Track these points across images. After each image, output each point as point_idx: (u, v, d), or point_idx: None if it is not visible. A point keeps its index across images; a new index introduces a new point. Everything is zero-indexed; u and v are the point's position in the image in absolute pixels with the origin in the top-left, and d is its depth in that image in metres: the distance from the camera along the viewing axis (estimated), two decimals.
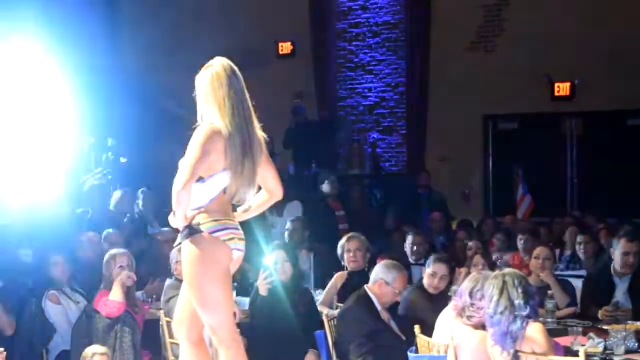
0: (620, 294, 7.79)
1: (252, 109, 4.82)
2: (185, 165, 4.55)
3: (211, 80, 4.74)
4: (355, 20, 16.90)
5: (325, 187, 12.45)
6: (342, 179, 13.87)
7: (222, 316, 4.73)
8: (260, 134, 4.87)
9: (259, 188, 4.98)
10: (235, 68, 4.80)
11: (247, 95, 4.80)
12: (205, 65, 4.82)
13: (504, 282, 5.34)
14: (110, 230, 8.86)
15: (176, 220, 4.63)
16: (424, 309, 7.07)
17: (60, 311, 7.54)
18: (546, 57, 15.05)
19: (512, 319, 5.28)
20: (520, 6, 15.42)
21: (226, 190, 4.74)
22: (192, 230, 4.65)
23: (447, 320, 5.87)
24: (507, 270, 5.56)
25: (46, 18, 13.38)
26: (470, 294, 5.67)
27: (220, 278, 4.69)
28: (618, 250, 7.90)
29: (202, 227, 4.67)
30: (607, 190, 14.49)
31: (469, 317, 5.67)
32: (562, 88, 15.33)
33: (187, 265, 4.70)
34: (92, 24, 15.35)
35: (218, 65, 4.77)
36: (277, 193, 5.06)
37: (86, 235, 8.48)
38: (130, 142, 14.56)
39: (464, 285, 5.79)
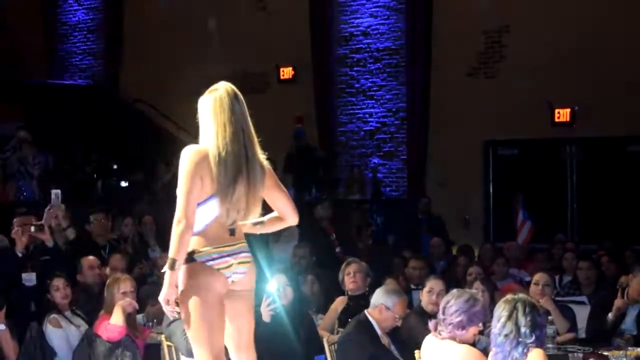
0: (630, 320, 7.83)
1: (253, 135, 4.79)
2: (179, 202, 4.57)
3: (214, 104, 4.73)
4: (357, 46, 17.00)
5: (319, 211, 12.48)
6: (342, 204, 13.90)
7: (209, 343, 4.69)
8: (264, 160, 4.82)
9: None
10: (239, 93, 4.79)
11: (249, 121, 4.78)
12: (209, 89, 4.81)
13: (515, 308, 5.38)
14: (113, 254, 8.89)
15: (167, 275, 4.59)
16: (425, 333, 7.09)
17: (61, 335, 7.50)
18: (546, 84, 15.10)
19: (515, 344, 5.31)
20: (521, 33, 15.49)
21: (220, 216, 4.70)
22: (187, 258, 4.64)
23: (429, 340, 5.98)
24: (521, 295, 5.59)
25: None
26: (443, 310, 5.77)
27: (210, 304, 4.66)
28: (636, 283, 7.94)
29: (196, 257, 4.66)
30: (607, 216, 14.52)
31: (439, 332, 5.77)
32: (563, 114, 15.38)
33: (180, 294, 4.68)
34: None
35: (222, 89, 4.77)
36: (291, 218, 4.98)
37: (87, 260, 8.47)
38: (133, 166, 14.61)
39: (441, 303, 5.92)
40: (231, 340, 4.88)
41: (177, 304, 4.68)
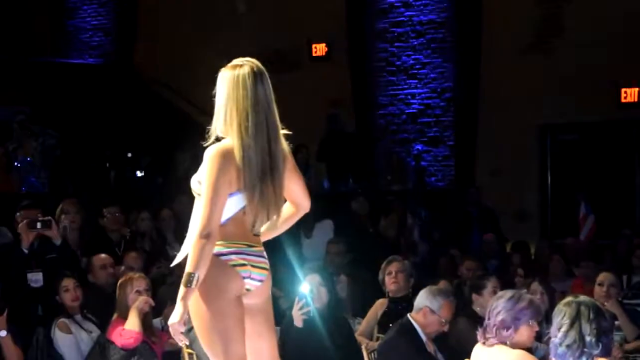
0: None
1: (278, 124, 4.74)
2: (204, 212, 4.53)
3: (235, 84, 4.65)
4: (397, 19, 16.97)
5: (354, 206, 12.54)
6: (382, 196, 13.92)
7: (225, 355, 4.62)
8: (285, 145, 4.78)
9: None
10: (265, 72, 4.71)
11: (274, 107, 4.73)
12: (232, 64, 4.73)
13: (578, 313, 5.33)
14: (128, 252, 8.96)
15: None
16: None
17: (71, 341, 7.57)
18: (611, 60, 15.01)
19: (579, 355, 5.29)
20: (583, 3, 15.39)
21: (245, 211, 4.69)
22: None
23: (477, 349, 5.99)
24: (582, 298, 5.56)
25: None
26: (489, 315, 5.81)
27: (224, 310, 4.62)
28: None
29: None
30: None
31: (487, 339, 5.79)
32: (630, 94, 15.27)
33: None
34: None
35: (246, 67, 4.68)
36: (304, 205, 4.96)
37: (99, 258, 8.54)
38: (150, 154, 14.70)
39: None
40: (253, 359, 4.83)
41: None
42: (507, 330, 5.82)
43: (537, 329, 5.92)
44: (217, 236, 4.55)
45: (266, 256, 4.81)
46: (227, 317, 4.62)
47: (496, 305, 5.87)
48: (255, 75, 4.67)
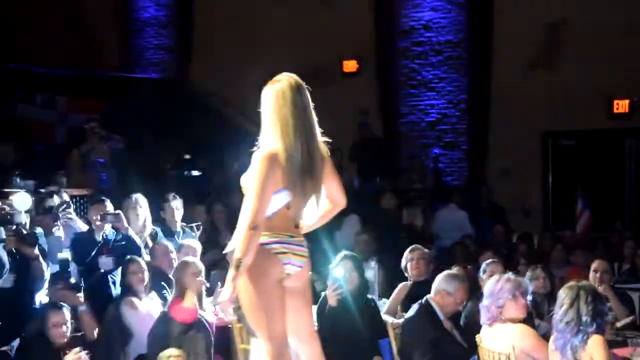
0: None
1: (316, 128, 4.76)
2: (252, 207, 4.55)
3: (276, 96, 4.69)
4: (418, 40, 16.93)
5: (383, 201, 12.55)
6: (405, 193, 13.91)
7: (270, 330, 4.66)
8: (324, 147, 4.81)
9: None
10: (302, 84, 4.73)
11: (312, 113, 4.74)
12: (272, 80, 4.77)
13: (578, 296, 5.36)
14: (187, 240, 9.00)
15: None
16: None
17: (137, 316, 7.61)
18: (605, 76, 14.94)
19: (576, 332, 5.31)
20: (581, 26, 15.32)
21: (289, 206, 4.72)
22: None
23: (484, 330, 6.03)
24: (583, 283, 5.58)
25: None
26: (490, 295, 5.91)
27: (270, 291, 4.65)
28: None
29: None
30: None
31: (486, 320, 5.91)
32: (621, 105, 15.23)
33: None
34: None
35: (284, 81, 4.72)
36: (341, 202, 5.01)
37: (160, 246, 8.59)
38: (205, 156, 14.73)
39: None
40: (294, 334, 4.86)
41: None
42: (496, 309, 5.86)
43: (523, 300, 5.93)
44: (262, 228, 4.58)
45: (306, 246, 4.84)
46: (269, 296, 4.66)
47: (484, 290, 5.97)
48: (292, 87, 4.70)
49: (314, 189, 4.76)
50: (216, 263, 9.05)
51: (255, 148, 4.76)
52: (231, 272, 4.52)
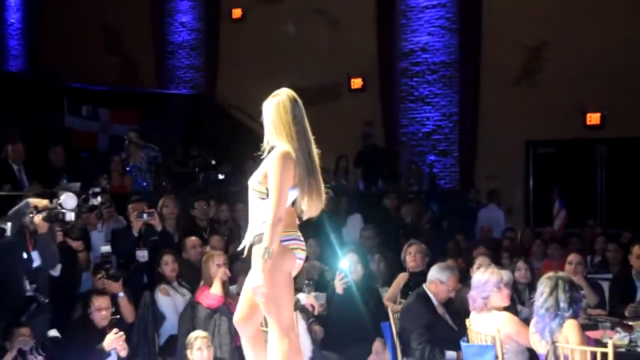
0: None
1: (310, 134, 4.72)
2: (276, 201, 4.49)
3: (277, 107, 4.66)
4: (416, 60, 16.92)
5: (386, 202, 12.52)
6: (404, 194, 13.88)
7: (280, 315, 4.63)
8: (317, 152, 4.76)
9: None
10: (298, 98, 4.72)
11: (307, 122, 4.70)
12: (272, 94, 4.74)
13: (556, 285, 5.35)
14: (213, 235, 9.00)
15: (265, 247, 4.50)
16: None
17: (169, 302, 7.62)
18: (579, 92, 14.93)
19: (554, 316, 5.29)
20: (558, 48, 15.31)
21: (295, 204, 4.69)
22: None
23: (472, 316, 6.00)
24: (562, 274, 5.56)
25: None
26: (477, 286, 5.92)
27: (282, 282, 4.61)
28: (634, 256, 7.95)
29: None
30: (631, 205, 14.36)
31: (474, 308, 5.91)
32: (593, 118, 15.21)
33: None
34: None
35: (284, 94, 4.69)
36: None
37: (190, 240, 8.58)
38: (228, 162, 14.73)
39: None
40: None
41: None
42: (482, 300, 5.85)
43: (507, 291, 5.93)
44: (284, 220, 4.55)
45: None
46: (281, 289, 4.63)
47: (472, 281, 5.98)
48: (291, 99, 4.69)
49: (317, 187, 4.72)
50: (238, 255, 9.02)
51: (260, 152, 4.75)
52: (261, 260, 4.49)
